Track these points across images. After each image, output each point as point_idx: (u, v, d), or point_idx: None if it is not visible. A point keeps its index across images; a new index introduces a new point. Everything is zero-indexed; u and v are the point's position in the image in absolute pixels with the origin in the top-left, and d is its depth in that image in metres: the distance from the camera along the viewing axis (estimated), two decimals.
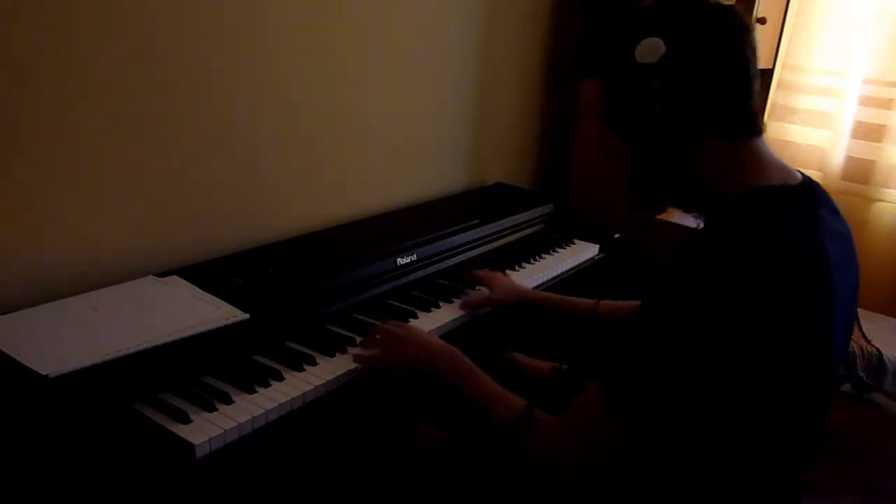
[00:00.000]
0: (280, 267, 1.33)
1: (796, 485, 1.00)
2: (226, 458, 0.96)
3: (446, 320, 1.38)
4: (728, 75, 0.89)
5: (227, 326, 1.10)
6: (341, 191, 1.70)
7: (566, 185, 2.32)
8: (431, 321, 1.36)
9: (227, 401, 1.02)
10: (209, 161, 1.38)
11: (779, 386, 0.87)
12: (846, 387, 1.97)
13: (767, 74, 2.33)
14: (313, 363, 1.15)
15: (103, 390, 0.95)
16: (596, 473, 0.92)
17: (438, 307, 1.42)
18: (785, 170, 0.92)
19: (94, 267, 1.24)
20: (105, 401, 0.95)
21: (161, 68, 1.26)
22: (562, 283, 1.71)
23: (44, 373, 0.92)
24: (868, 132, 2.30)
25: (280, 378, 1.10)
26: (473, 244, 1.68)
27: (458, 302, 1.45)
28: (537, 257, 1.75)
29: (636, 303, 1.24)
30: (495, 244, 1.76)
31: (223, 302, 1.16)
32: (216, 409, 1.00)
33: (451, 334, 1.36)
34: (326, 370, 1.14)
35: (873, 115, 2.28)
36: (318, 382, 1.10)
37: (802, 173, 0.94)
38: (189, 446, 0.92)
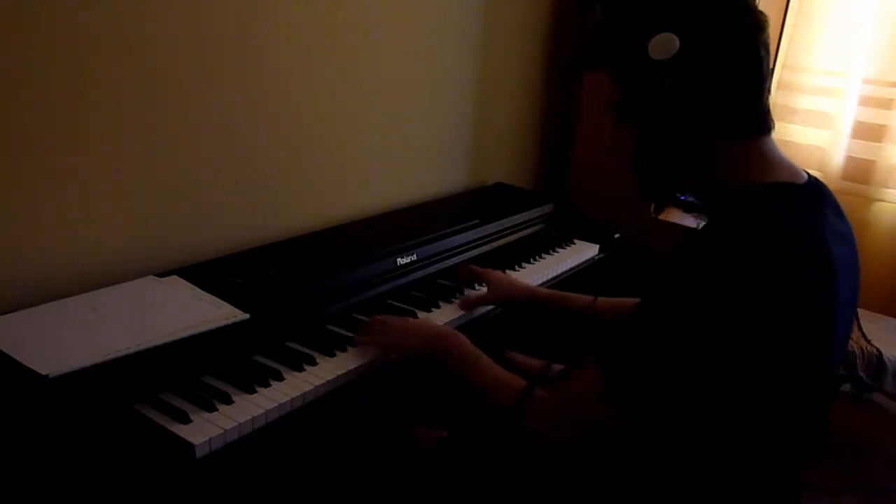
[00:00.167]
0: (280, 267, 1.33)
1: (796, 485, 1.00)
2: (226, 458, 0.96)
3: (446, 320, 1.38)
4: (740, 75, 0.89)
5: (227, 326, 1.10)
6: (341, 191, 1.70)
7: (566, 185, 2.32)
8: (432, 322, 1.36)
9: (227, 401, 1.02)
10: (209, 161, 1.38)
11: (779, 386, 0.87)
12: (846, 387, 1.97)
13: None
14: (313, 363, 1.15)
15: (103, 390, 0.95)
16: (590, 448, 0.93)
17: (438, 307, 1.42)
18: (791, 169, 0.92)
19: (94, 267, 1.24)
20: (105, 401, 0.95)
21: (161, 68, 1.26)
22: (562, 283, 1.71)
23: (44, 373, 0.92)
24: (868, 132, 2.30)
25: (280, 378, 1.10)
26: (473, 244, 1.68)
27: (457, 302, 1.45)
28: (537, 257, 1.75)
29: (634, 300, 1.24)
30: (495, 244, 1.76)
31: (223, 302, 1.16)
32: (216, 409, 1.00)
33: None
34: (326, 370, 1.14)
35: (873, 115, 2.28)
36: (318, 382, 1.10)
37: (809, 173, 0.94)
38: (189, 446, 0.92)
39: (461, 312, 1.41)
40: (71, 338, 1.02)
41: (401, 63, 1.76)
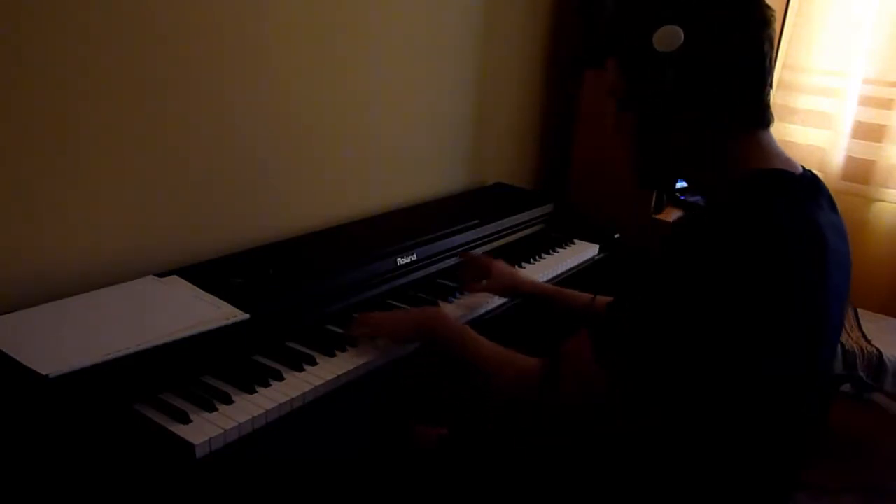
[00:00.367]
0: (280, 267, 1.33)
1: (796, 485, 1.00)
2: (226, 458, 0.96)
3: None
4: (743, 72, 0.89)
5: (227, 326, 1.10)
6: (341, 191, 1.70)
7: (566, 185, 2.32)
8: None
9: (227, 401, 1.02)
10: (209, 161, 1.38)
11: (779, 386, 0.87)
12: (846, 387, 1.97)
13: None
14: (313, 363, 1.15)
15: (103, 390, 0.95)
16: (590, 416, 0.94)
17: (438, 307, 1.42)
18: (788, 161, 0.93)
19: (94, 267, 1.24)
20: (105, 401, 0.95)
21: (161, 69, 1.26)
22: (562, 283, 1.71)
23: (44, 373, 0.92)
24: (868, 132, 2.30)
25: (280, 378, 1.10)
26: (473, 244, 1.68)
27: (458, 302, 1.45)
28: (537, 257, 1.75)
29: None
30: (495, 244, 1.76)
31: (223, 302, 1.16)
32: (216, 409, 1.00)
33: None
34: (326, 370, 1.14)
35: (873, 115, 2.28)
36: (318, 382, 1.10)
37: (804, 167, 0.94)
38: (189, 446, 0.92)
39: (461, 312, 1.41)
40: (71, 338, 1.02)
41: (401, 63, 1.76)
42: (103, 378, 0.96)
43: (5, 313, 1.07)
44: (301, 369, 1.13)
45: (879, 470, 2.11)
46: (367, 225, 1.69)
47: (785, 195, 0.87)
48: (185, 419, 0.96)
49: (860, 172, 2.33)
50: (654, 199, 2.11)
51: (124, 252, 1.28)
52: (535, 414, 0.99)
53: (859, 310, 2.17)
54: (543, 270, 1.69)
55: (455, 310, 1.42)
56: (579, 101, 2.23)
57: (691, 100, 0.90)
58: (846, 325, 2.05)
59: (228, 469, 0.97)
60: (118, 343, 1.00)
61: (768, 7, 0.90)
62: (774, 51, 0.91)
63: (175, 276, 1.24)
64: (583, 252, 1.85)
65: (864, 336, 1.98)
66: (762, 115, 0.92)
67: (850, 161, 2.34)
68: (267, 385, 1.07)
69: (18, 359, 0.94)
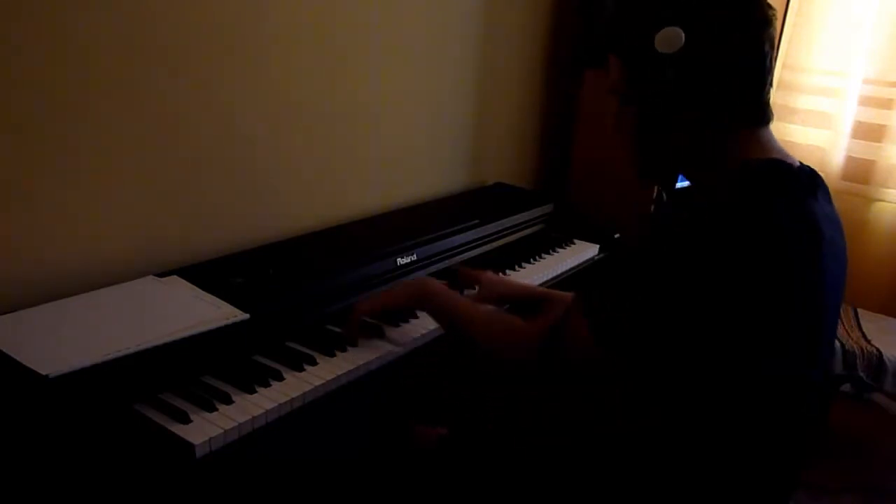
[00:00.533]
0: (280, 267, 1.33)
1: (796, 485, 1.00)
2: (226, 458, 0.96)
3: None
4: (743, 72, 0.90)
5: (227, 326, 1.10)
6: (341, 191, 1.70)
7: (566, 185, 2.32)
8: (432, 321, 1.36)
9: (227, 401, 1.02)
10: (209, 161, 1.38)
11: (779, 386, 0.87)
12: (846, 387, 1.97)
13: None
14: (313, 363, 1.15)
15: (103, 390, 0.95)
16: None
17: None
18: (787, 156, 0.93)
19: (94, 267, 1.24)
20: (105, 401, 0.95)
21: (161, 69, 1.26)
22: (562, 283, 1.71)
23: (44, 373, 0.92)
24: (868, 132, 2.30)
25: (280, 378, 1.10)
26: (473, 244, 1.68)
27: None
28: (537, 257, 1.75)
29: None
30: (495, 244, 1.76)
31: (223, 302, 1.16)
32: (216, 409, 0.99)
33: None
34: (326, 370, 1.14)
35: (873, 115, 2.28)
36: (318, 382, 1.10)
37: (802, 163, 0.94)
38: (189, 446, 0.92)
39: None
40: (71, 338, 1.02)
41: (401, 63, 1.76)
42: (103, 378, 0.96)
43: (5, 313, 1.07)
44: (301, 369, 1.13)
45: (879, 470, 2.11)
46: (367, 225, 1.69)
47: (784, 192, 0.87)
48: (185, 419, 0.96)
49: (860, 172, 2.33)
50: (653, 199, 2.11)
51: (124, 252, 1.28)
52: (532, 372, 1.00)
53: (859, 310, 2.17)
54: (543, 270, 1.69)
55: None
56: (579, 101, 2.23)
57: (692, 99, 0.91)
58: (846, 325, 2.05)
59: (228, 469, 0.97)
60: (118, 343, 1.00)
61: (769, 6, 0.90)
62: (775, 51, 0.91)
63: (175, 276, 1.24)
64: (583, 252, 1.85)
65: (864, 336, 1.98)
66: (762, 114, 0.93)
67: (850, 161, 2.34)
68: (267, 385, 1.07)
69: (18, 359, 0.94)
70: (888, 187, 2.30)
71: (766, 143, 0.93)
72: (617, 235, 1.93)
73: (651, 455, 0.92)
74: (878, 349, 1.90)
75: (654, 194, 2.11)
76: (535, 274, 1.66)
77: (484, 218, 1.72)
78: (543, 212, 1.96)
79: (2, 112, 1.08)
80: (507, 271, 1.64)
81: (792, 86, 2.39)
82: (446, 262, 1.58)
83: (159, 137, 1.29)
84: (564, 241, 1.88)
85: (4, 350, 0.96)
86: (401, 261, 1.47)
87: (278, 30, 1.44)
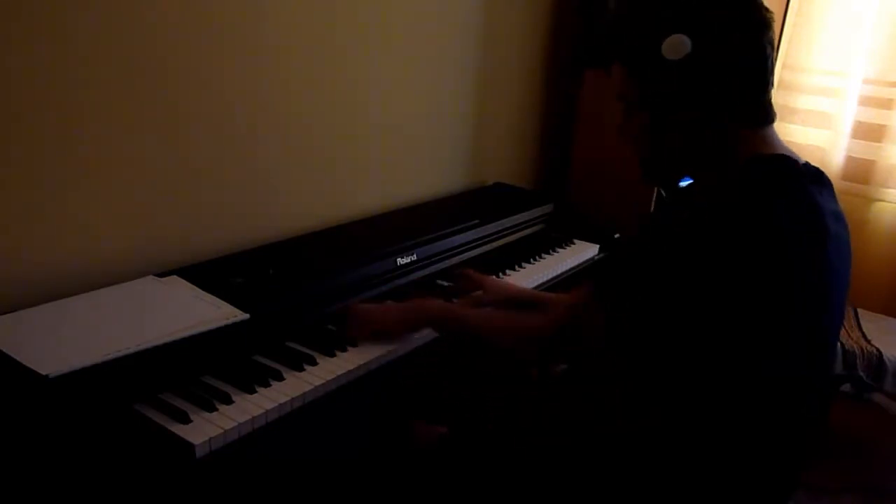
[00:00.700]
0: (280, 267, 1.33)
1: (796, 485, 1.00)
2: (226, 458, 0.96)
3: None
4: (746, 74, 0.91)
5: (227, 326, 1.10)
6: (341, 191, 1.70)
7: (566, 185, 2.32)
8: None
9: (227, 401, 1.02)
10: (209, 161, 1.38)
11: (779, 386, 0.87)
12: (846, 387, 1.97)
13: None
14: (313, 363, 1.15)
15: (103, 390, 0.95)
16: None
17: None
18: (791, 152, 0.94)
19: (94, 267, 1.24)
20: (105, 401, 0.95)
21: (161, 69, 1.26)
22: (562, 284, 1.72)
23: (44, 373, 0.92)
24: (868, 132, 2.30)
25: (280, 378, 1.10)
26: (473, 244, 1.68)
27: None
28: (537, 257, 1.75)
29: None
30: (495, 244, 1.76)
31: (223, 302, 1.16)
32: (216, 409, 0.99)
33: None
34: (326, 370, 1.14)
35: (873, 115, 2.28)
36: (318, 382, 1.10)
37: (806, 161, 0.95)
38: (189, 446, 0.92)
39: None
40: (71, 338, 1.02)
41: (401, 63, 1.76)
42: (103, 378, 0.96)
43: (5, 313, 1.07)
44: (301, 369, 1.13)
45: (879, 470, 2.11)
46: (367, 225, 1.69)
47: (784, 193, 0.87)
48: (185, 419, 0.96)
49: (860, 172, 2.33)
50: (654, 199, 2.11)
51: (124, 252, 1.28)
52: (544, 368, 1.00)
53: (859, 310, 2.17)
54: (543, 270, 1.69)
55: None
56: (579, 101, 2.23)
57: (698, 102, 0.92)
58: (846, 325, 2.05)
59: (228, 469, 0.97)
60: (118, 343, 1.00)
61: (766, 9, 0.91)
62: (775, 52, 0.92)
63: (175, 276, 1.24)
64: (583, 252, 1.85)
65: (864, 336, 1.98)
66: (766, 113, 0.94)
67: (850, 161, 2.34)
68: (267, 385, 1.07)
69: (18, 359, 0.94)
70: (888, 187, 2.30)
71: (772, 141, 0.94)
72: (617, 235, 1.94)
73: (651, 455, 0.92)
74: (878, 349, 1.90)
75: (654, 194, 2.11)
76: (535, 274, 1.66)
77: (484, 218, 1.72)
78: (543, 212, 1.96)
79: (2, 112, 1.08)
80: (507, 271, 1.64)
81: (792, 86, 2.39)
82: (446, 262, 1.58)
83: (159, 138, 1.29)
84: (564, 241, 1.88)
85: (4, 350, 0.96)
86: (401, 261, 1.47)
87: (278, 30, 1.44)
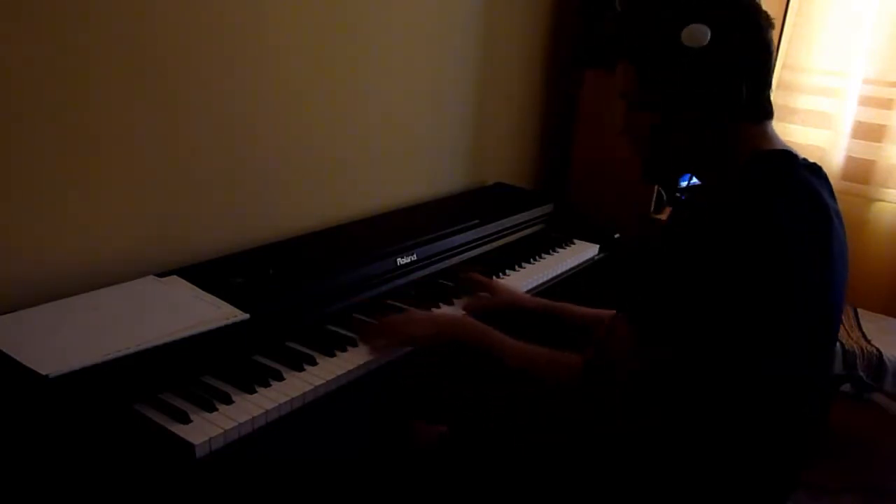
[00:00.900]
0: (280, 267, 1.33)
1: (796, 484, 1.00)
2: (226, 458, 0.96)
3: None
4: (758, 64, 0.93)
5: (227, 326, 1.10)
6: (341, 191, 1.70)
7: (566, 185, 2.32)
8: None
9: (227, 401, 1.02)
10: (210, 161, 1.38)
11: (779, 386, 0.87)
12: (846, 387, 1.97)
13: None
14: (313, 363, 1.15)
15: (103, 390, 0.95)
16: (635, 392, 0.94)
17: (439, 307, 1.42)
18: (791, 149, 0.94)
19: (94, 267, 1.24)
20: (105, 401, 0.95)
21: (161, 70, 1.26)
22: (562, 283, 1.72)
23: (44, 373, 0.92)
24: (868, 132, 2.30)
25: (280, 378, 1.10)
26: (473, 244, 1.68)
27: (458, 302, 1.44)
28: (537, 257, 1.75)
29: None
30: (495, 244, 1.76)
31: (223, 302, 1.16)
32: (216, 409, 0.99)
33: None
34: (326, 370, 1.14)
35: (873, 115, 2.28)
36: (318, 382, 1.10)
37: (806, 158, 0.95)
38: (189, 446, 0.92)
39: (462, 313, 1.41)
40: (71, 338, 1.02)
41: (401, 63, 1.76)
42: (103, 378, 0.95)
43: (5, 313, 1.07)
44: (301, 369, 1.13)
45: (879, 470, 2.11)
46: (367, 225, 1.69)
47: (784, 192, 0.87)
48: (185, 419, 0.96)
49: (860, 172, 2.33)
50: (653, 199, 2.11)
51: (124, 252, 1.28)
52: (582, 402, 1.00)
53: (859, 310, 2.17)
54: (543, 270, 1.69)
55: (456, 311, 1.42)
56: (579, 101, 2.23)
57: (703, 100, 0.93)
58: (846, 325, 2.05)
59: (228, 469, 0.97)
60: (118, 343, 1.00)
61: (766, 13, 0.93)
62: (774, 52, 0.94)
63: (175, 276, 1.24)
64: (583, 252, 1.85)
65: (864, 336, 1.98)
66: (765, 110, 0.95)
67: (850, 161, 2.34)
68: (267, 385, 1.07)
69: (18, 359, 0.94)
70: (888, 187, 2.30)
71: (773, 137, 0.95)
72: (617, 235, 1.94)
73: (651, 454, 0.92)
74: (878, 349, 1.90)
75: (654, 194, 2.11)
76: (535, 274, 1.66)
77: (484, 218, 1.72)
78: (543, 212, 1.96)
79: (2, 112, 1.08)
80: (508, 271, 1.64)
81: (792, 86, 2.38)
82: (446, 262, 1.58)
83: (159, 138, 1.29)
84: (564, 241, 1.88)
85: (4, 350, 0.96)
86: (401, 261, 1.47)
87: (279, 31, 1.44)
